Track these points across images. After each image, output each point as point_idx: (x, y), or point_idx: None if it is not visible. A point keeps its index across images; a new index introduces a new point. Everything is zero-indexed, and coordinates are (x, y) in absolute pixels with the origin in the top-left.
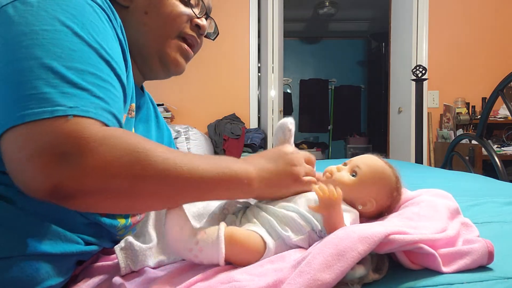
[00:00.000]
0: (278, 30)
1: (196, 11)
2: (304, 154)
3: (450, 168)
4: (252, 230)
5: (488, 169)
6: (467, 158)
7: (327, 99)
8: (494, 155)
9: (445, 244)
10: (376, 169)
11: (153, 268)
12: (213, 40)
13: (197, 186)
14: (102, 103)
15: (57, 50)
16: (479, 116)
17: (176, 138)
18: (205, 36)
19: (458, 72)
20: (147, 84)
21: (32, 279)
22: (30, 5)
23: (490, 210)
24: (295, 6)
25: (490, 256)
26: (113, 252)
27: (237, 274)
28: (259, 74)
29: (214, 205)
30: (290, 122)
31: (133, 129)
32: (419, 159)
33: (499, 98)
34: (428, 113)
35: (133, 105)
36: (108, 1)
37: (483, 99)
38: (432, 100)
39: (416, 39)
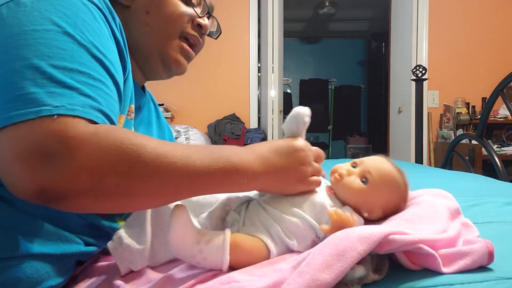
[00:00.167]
0: (278, 30)
1: (198, 10)
2: (315, 151)
3: (450, 168)
4: (257, 237)
5: (488, 169)
6: (467, 158)
7: (327, 99)
8: (494, 155)
9: (445, 245)
10: (388, 179)
11: (153, 266)
12: (215, 39)
13: (193, 182)
14: (91, 101)
15: (46, 49)
16: (479, 116)
17: (176, 138)
18: (208, 35)
19: (458, 72)
20: (147, 84)
21: (32, 280)
22: (24, 5)
23: (490, 210)
24: (295, 6)
25: (490, 256)
26: None
27: (237, 274)
28: (259, 74)
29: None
30: (307, 114)
31: (132, 130)
32: (419, 159)
33: (499, 98)
34: (428, 113)
35: (133, 106)
36: (107, 1)
37: (483, 99)
38: (432, 100)
39: (416, 39)
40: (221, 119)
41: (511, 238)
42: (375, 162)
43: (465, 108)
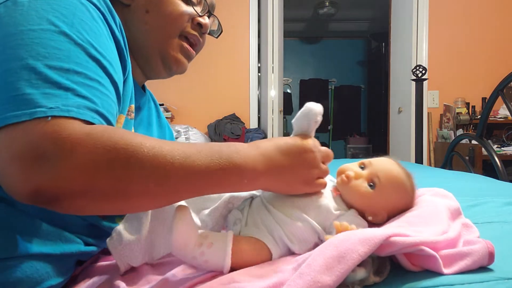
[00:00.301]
0: (278, 30)
1: (198, 9)
2: (324, 152)
3: (450, 168)
4: (259, 240)
5: (488, 169)
6: (467, 158)
7: (327, 99)
8: (494, 155)
9: (446, 246)
10: (396, 185)
11: (153, 263)
12: (217, 37)
13: (192, 183)
14: (86, 102)
15: (42, 49)
16: (479, 116)
17: (176, 138)
18: (209, 34)
19: (458, 72)
20: (147, 83)
21: (32, 280)
22: (21, 4)
23: (490, 210)
24: (295, 6)
25: (491, 256)
26: None
27: (238, 275)
28: (259, 74)
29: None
30: (319, 112)
31: (132, 130)
32: (419, 159)
33: (499, 98)
34: (428, 113)
35: (133, 106)
36: (107, 0)
37: (483, 99)
38: (432, 100)
39: (416, 39)
40: (221, 119)
41: (511, 238)
42: (384, 166)
43: (465, 108)
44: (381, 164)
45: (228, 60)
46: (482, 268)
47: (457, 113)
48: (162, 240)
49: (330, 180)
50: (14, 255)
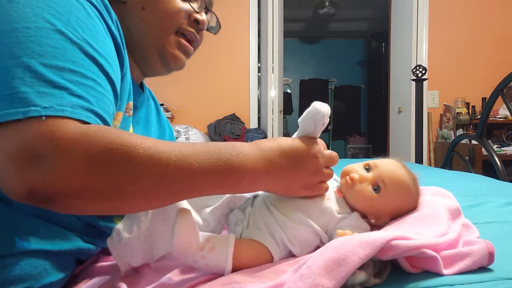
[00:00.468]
0: (278, 30)
1: (195, 6)
2: (327, 156)
3: (450, 168)
4: (261, 243)
5: (488, 169)
6: (467, 158)
7: (327, 99)
8: (494, 155)
9: (446, 247)
10: (400, 189)
11: (153, 263)
12: (215, 34)
13: (189, 184)
14: (81, 101)
15: (37, 48)
16: (479, 116)
17: (176, 138)
18: (207, 30)
19: (458, 72)
20: (147, 83)
21: (31, 276)
22: (16, 2)
23: (490, 210)
24: (295, 6)
25: (491, 257)
26: None
27: (238, 276)
28: (259, 74)
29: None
30: (327, 114)
31: (131, 127)
32: (419, 159)
33: (499, 98)
34: (428, 113)
35: (131, 103)
36: None
37: (483, 99)
38: (432, 100)
39: (416, 39)
40: (221, 119)
41: (511, 238)
42: (389, 169)
43: (465, 108)
44: (386, 167)
45: (228, 60)
46: (482, 269)
47: (457, 113)
48: (162, 239)
49: (334, 180)
50: (12, 252)
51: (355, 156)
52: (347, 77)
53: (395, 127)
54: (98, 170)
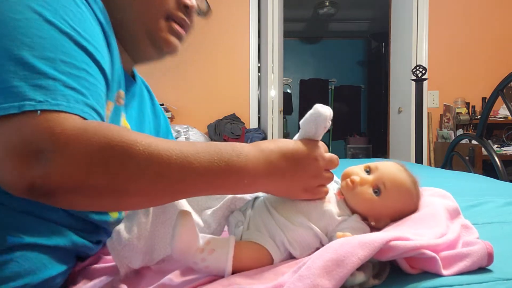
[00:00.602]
0: (278, 30)
1: None
2: (328, 159)
3: (450, 168)
4: (261, 245)
5: (488, 169)
6: (467, 158)
7: (327, 99)
8: (494, 155)
9: (445, 248)
10: (401, 192)
11: (153, 265)
12: (205, 18)
13: (188, 184)
14: (76, 94)
15: (26, 39)
16: (479, 116)
17: (176, 138)
18: (197, 15)
19: (458, 72)
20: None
21: (28, 270)
22: None
23: (490, 210)
24: (295, 6)
25: (490, 257)
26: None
27: (238, 277)
28: (259, 74)
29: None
30: (329, 117)
31: (122, 116)
32: (419, 159)
33: (499, 98)
34: (428, 113)
35: (122, 92)
36: None
37: (483, 99)
38: (432, 100)
39: (416, 39)
40: (221, 119)
41: (511, 239)
42: (390, 172)
43: (465, 108)
44: (387, 169)
45: (228, 60)
46: (481, 269)
47: (457, 113)
48: (162, 241)
49: (335, 182)
50: (4, 247)
51: (355, 156)
52: (347, 77)
53: (395, 127)
54: (99, 167)
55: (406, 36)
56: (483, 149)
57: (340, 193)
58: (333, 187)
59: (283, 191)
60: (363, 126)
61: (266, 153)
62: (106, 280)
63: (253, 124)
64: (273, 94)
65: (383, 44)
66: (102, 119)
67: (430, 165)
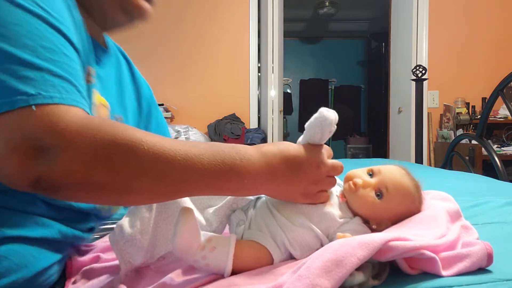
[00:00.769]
0: (278, 30)
1: None
2: (330, 166)
3: (450, 168)
4: (261, 245)
5: (488, 169)
6: (467, 158)
7: (327, 99)
8: (494, 155)
9: (445, 248)
10: (404, 196)
11: (153, 263)
12: None
13: (191, 184)
14: (63, 83)
15: (1, 29)
16: (479, 116)
17: (176, 138)
18: None
19: (458, 72)
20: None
21: (20, 265)
22: None
23: (490, 210)
24: (295, 6)
25: (489, 258)
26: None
27: (237, 278)
28: (259, 74)
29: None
30: (334, 122)
31: (94, 93)
32: (419, 159)
33: (499, 98)
34: (428, 113)
35: (91, 68)
36: None
37: (483, 99)
38: (432, 100)
39: (416, 39)
40: (221, 119)
41: (510, 239)
42: (392, 175)
43: (465, 108)
44: (390, 173)
45: (228, 60)
46: (481, 270)
47: (457, 113)
48: (164, 237)
49: (338, 184)
50: None
51: (355, 156)
52: (347, 77)
53: (395, 127)
54: (102, 164)
55: (406, 36)
56: (483, 149)
57: (343, 195)
58: (335, 189)
59: (282, 195)
60: (363, 126)
61: (269, 158)
62: (105, 280)
63: (253, 124)
64: (273, 94)
65: (383, 44)
66: (89, 104)
67: (430, 165)
